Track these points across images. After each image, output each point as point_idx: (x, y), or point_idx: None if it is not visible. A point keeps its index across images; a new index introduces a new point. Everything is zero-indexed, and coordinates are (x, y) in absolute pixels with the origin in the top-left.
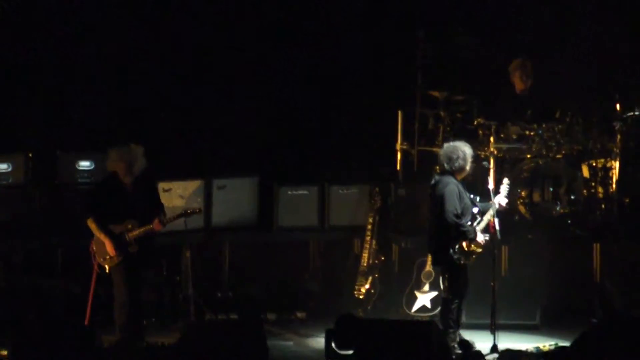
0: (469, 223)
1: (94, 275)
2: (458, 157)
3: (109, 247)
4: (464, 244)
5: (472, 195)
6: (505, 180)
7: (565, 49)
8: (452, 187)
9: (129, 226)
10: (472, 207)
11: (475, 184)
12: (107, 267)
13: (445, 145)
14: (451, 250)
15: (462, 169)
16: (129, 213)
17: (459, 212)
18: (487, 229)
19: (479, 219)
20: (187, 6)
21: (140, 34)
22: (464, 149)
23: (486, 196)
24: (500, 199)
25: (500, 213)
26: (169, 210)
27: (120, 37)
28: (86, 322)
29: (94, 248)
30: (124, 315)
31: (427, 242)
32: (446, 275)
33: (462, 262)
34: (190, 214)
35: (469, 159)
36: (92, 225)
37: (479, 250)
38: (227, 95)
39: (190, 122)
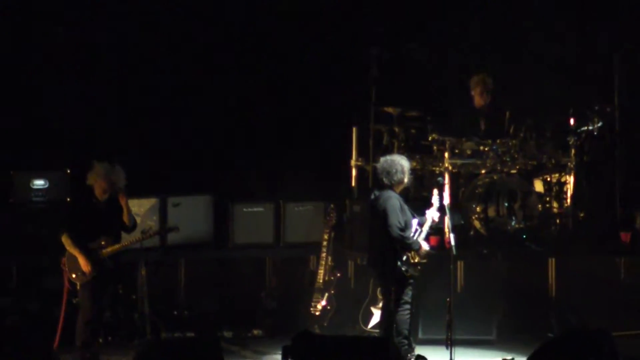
0: (412, 235)
1: (65, 293)
2: (397, 171)
3: (83, 263)
4: (410, 255)
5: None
6: (435, 192)
7: (520, 63)
8: (394, 201)
9: (102, 242)
10: (412, 219)
11: (428, 199)
12: (78, 283)
13: (382, 159)
14: (399, 263)
15: (401, 182)
16: (103, 230)
17: (403, 225)
18: (427, 239)
19: (419, 230)
20: (141, 28)
21: (93, 52)
22: (402, 162)
23: (442, 212)
24: (433, 213)
25: (456, 228)
26: None
27: (73, 54)
28: (56, 344)
29: (66, 264)
30: (87, 333)
31: (369, 258)
32: (393, 289)
33: (409, 273)
34: (169, 231)
35: (407, 172)
36: (66, 241)
37: (424, 260)
38: (181, 112)
39: (144, 139)
